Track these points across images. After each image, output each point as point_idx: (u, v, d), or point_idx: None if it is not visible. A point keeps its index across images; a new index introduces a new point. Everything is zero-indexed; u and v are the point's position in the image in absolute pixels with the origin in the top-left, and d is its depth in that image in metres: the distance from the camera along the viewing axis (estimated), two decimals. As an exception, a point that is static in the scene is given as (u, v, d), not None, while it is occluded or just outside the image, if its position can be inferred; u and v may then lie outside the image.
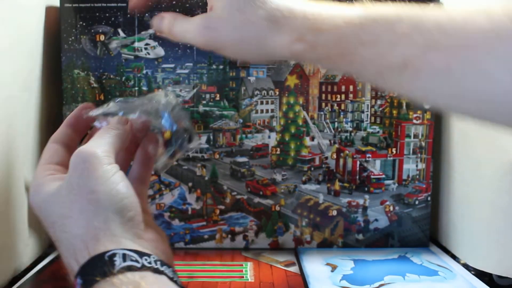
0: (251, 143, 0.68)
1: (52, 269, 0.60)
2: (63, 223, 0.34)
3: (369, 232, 0.68)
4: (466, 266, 0.61)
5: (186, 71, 0.67)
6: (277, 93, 0.68)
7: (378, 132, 0.68)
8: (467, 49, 0.33)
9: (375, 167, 0.68)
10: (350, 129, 0.68)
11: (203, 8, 0.66)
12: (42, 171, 0.38)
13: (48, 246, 0.67)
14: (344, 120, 0.68)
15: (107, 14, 0.65)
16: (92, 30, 0.66)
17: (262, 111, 0.68)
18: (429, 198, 0.68)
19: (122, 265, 0.30)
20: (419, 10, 0.36)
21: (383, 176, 0.68)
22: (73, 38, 0.65)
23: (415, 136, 0.68)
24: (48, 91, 0.65)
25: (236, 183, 0.68)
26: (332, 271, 0.59)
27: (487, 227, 0.58)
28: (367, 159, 0.68)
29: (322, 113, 0.68)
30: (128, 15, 0.66)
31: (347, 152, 0.68)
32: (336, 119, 0.68)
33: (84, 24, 0.65)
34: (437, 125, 0.68)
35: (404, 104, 0.67)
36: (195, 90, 0.67)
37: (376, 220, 0.68)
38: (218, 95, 0.67)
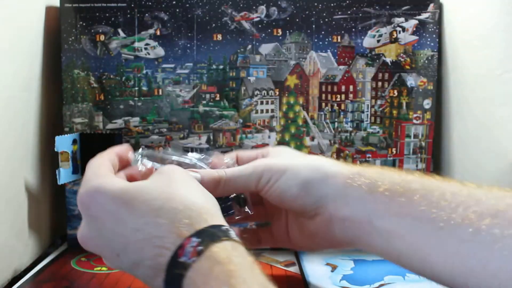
0: (251, 143, 0.68)
1: (52, 269, 0.60)
2: (169, 198, 0.36)
3: (369, 232, 0.68)
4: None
5: (186, 71, 0.67)
6: (277, 93, 0.68)
7: (378, 132, 0.68)
8: None
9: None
10: (350, 129, 0.68)
11: (203, 8, 0.66)
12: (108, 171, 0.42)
13: (48, 246, 0.67)
14: (344, 120, 0.68)
15: (107, 14, 0.65)
16: (92, 30, 0.66)
17: (262, 111, 0.68)
18: (429, 198, 0.68)
19: (236, 238, 0.34)
20: None
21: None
22: (73, 38, 0.65)
23: (415, 136, 0.68)
24: (48, 91, 0.65)
25: (236, 183, 0.68)
26: (332, 271, 0.59)
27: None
28: (367, 159, 0.68)
29: (322, 113, 0.68)
30: (128, 15, 0.66)
31: (347, 152, 0.68)
32: (336, 119, 0.68)
33: (84, 24, 0.65)
34: (437, 125, 0.68)
35: (404, 104, 0.67)
36: (195, 90, 0.67)
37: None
38: (218, 95, 0.67)
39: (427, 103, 0.67)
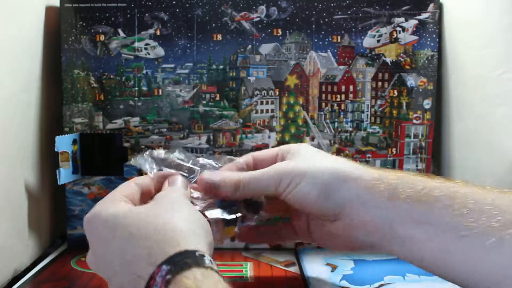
0: (251, 143, 0.68)
1: (52, 269, 0.60)
2: (147, 222, 0.36)
3: (369, 232, 0.68)
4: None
5: (186, 71, 0.67)
6: (277, 93, 0.68)
7: (378, 132, 0.68)
8: None
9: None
10: (350, 129, 0.68)
11: (203, 8, 0.66)
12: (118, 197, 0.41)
13: (48, 246, 0.67)
14: (344, 120, 0.68)
15: (107, 14, 0.65)
16: (92, 30, 0.66)
17: (262, 111, 0.68)
18: (429, 198, 0.68)
19: (210, 265, 0.33)
20: None
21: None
22: (73, 38, 0.65)
23: (415, 136, 0.68)
24: (48, 91, 0.65)
25: (236, 183, 0.68)
26: (332, 271, 0.59)
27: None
28: (367, 159, 0.68)
29: (322, 113, 0.68)
30: (128, 15, 0.66)
31: (347, 152, 0.68)
32: (336, 119, 0.68)
33: (84, 24, 0.65)
34: (437, 125, 0.68)
35: (404, 104, 0.67)
36: (195, 90, 0.67)
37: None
38: (218, 95, 0.67)
39: (427, 103, 0.67)
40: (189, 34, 0.66)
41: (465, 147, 0.64)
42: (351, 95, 0.68)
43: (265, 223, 0.52)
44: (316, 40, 0.67)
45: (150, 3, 0.66)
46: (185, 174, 0.47)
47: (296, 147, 0.49)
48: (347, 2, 0.66)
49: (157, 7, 0.66)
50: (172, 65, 0.67)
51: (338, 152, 0.68)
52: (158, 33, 0.66)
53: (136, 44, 0.66)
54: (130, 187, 0.44)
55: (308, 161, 0.46)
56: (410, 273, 0.58)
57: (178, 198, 0.41)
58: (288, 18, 0.66)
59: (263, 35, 0.66)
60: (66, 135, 0.61)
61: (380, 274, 0.58)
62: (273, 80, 0.68)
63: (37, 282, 0.56)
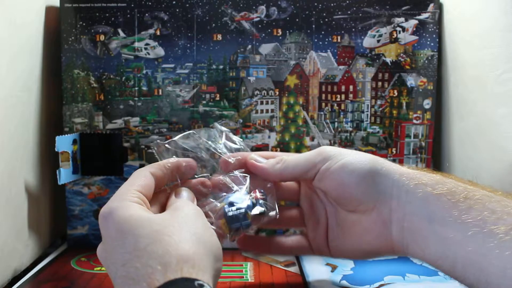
0: (251, 143, 0.68)
1: (52, 269, 0.60)
2: (156, 239, 0.35)
3: (369, 232, 0.68)
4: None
5: (186, 71, 0.67)
6: (277, 93, 0.68)
7: (378, 132, 0.68)
8: None
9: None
10: (350, 129, 0.68)
11: (203, 8, 0.66)
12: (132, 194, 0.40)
13: (48, 246, 0.67)
14: (344, 120, 0.68)
15: (107, 14, 0.65)
16: (92, 30, 0.66)
17: (262, 111, 0.68)
18: (429, 198, 0.68)
19: None
20: None
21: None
22: (73, 38, 0.65)
23: (415, 136, 0.68)
24: (48, 91, 0.66)
25: (236, 183, 0.68)
26: (332, 271, 0.59)
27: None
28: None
29: (322, 113, 0.68)
30: (128, 15, 0.66)
31: (347, 152, 0.68)
32: (336, 119, 0.68)
33: (84, 24, 0.65)
34: (437, 125, 0.68)
35: (404, 104, 0.67)
36: (195, 90, 0.67)
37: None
38: (218, 95, 0.67)
39: (427, 103, 0.67)
40: (189, 34, 0.66)
41: (465, 147, 0.64)
42: (351, 95, 0.68)
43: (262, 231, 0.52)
44: (316, 40, 0.67)
45: (150, 3, 0.66)
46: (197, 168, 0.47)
47: (332, 149, 0.49)
48: (347, 2, 0.66)
49: (157, 7, 0.66)
50: (172, 65, 0.67)
51: (338, 152, 0.68)
52: (158, 33, 0.66)
53: (136, 44, 0.66)
54: (147, 178, 0.43)
55: (349, 152, 0.46)
56: (410, 273, 0.58)
57: (192, 215, 0.39)
58: (288, 18, 0.66)
59: (263, 35, 0.67)
60: (66, 135, 0.61)
61: (380, 274, 0.58)
62: (273, 80, 0.68)
63: (37, 282, 0.56)
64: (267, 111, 0.68)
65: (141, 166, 0.67)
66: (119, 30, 0.66)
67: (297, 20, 0.66)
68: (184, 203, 0.41)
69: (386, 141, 0.68)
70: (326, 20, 0.66)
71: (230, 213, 0.45)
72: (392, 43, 0.67)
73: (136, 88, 0.67)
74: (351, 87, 0.68)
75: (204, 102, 0.67)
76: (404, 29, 0.67)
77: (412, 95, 0.67)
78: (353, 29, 0.66)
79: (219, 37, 0.66)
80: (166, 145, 0.48)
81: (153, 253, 0.34)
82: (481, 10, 0.60)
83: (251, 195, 0.46)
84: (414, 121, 0.67)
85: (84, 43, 0.66)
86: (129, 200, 0.39)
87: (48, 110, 0.66)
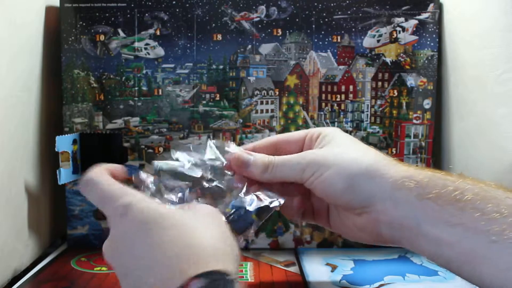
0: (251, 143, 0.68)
1: (52, 269, 0.60)
2: (183, 231, 0.35)
3: (369, 232, 0.68)
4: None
5: (186, 71, 0.67)
6: (277, 93, 0.68)
7: (378, 132, 0.68)
8: None
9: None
10: (350, 129, 0.68)
11: (203, 8, 0.66)
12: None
13: (48, 246, 0.67)
14: (344, 120, 0.68)
15: (107, 14, 0.65)
16: (92, 30, 0.66)
17: (262, 111, 0.68)
18: (429, 198, 0.68)
19: None
20: None
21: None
22: (73, 38, 0.65)
23: (415, 136, 0.68)
24: (48, 91, 0.66)
25: (236, 183, 0.68)
26: (332, 271, 0.59)
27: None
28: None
29: (322, 113, 0.68)
30: (128, 15, 0.66)
31: (347, 152, 0.68)
32: (336, 119, 0.68)
33: (84, 24, 0.65)
34: (437, 125, 0.68)
35: (404, 104, 0.67)
36: (195, 90, 0.67)
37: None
38: (218, 95, 0.67)
39: (427, 103, 0.67)
40: (189, 34, 0.66)
41: (465, 147, 0.64)
42: (351, 95, 0.68)
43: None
44: (316, 40, 0.67)
45: (150, 3, 0.66)
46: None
47: (326, 131, 0.49)
48: (347, 2, 0.66)
49: (157, 7, 0.66)
50: (172, 65, 0.67)
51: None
52: (158, 33, 0.66)
53: (136, 44, 0.66)
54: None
55: (337, 150, 0.46)
56: (410, 273, 0.58)
57: (215, 213, 0.40)
58: (288, 18, 0.66)
59: (263, 35, 0.66)
60: (66, 135, 0.61)
61: (380, 274, 0.58)
62: (273, 80, 0.68)
63: (37, 282, 0.56)
64: (267, 111, 0.68)
65: (141, 166, 0.67)
66: (119, 30, 0.66)
67: (297, 20, 0.66)
68: (203, 205, 0.41)
69: (386, 141, 0.68)
70: (326, 20, 0.66)
71: (230, 218, 0.45)
72: (392, 43, 0.67)
73: (136, 88, 0.67)
74: (351, 87, 0.68)
75: (204, 102, 0.67)
76: (404, 29, 0.67)
77: (412, 95, 0.67)
78: (353, 29, 0.66)
79: (219, 37, 0.66)
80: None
81: (184, 245, 0.34)
82: (481, 10, 0.60)
83: (250, 193, 0.46)
84: (414, 121, 0.67)
85: (84, 43, 0.66)
86: (139, 193, 0.39)
87: (48, 110, 0.66)
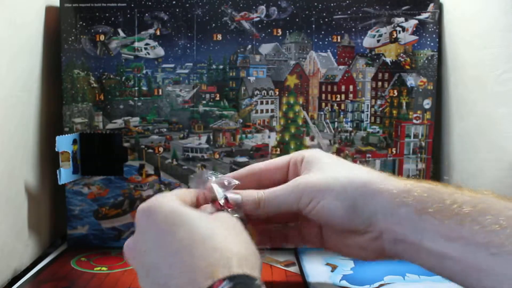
0: (251, 143, 0.68)
1: (52, 269, 0.60)
2: (211, 234, 0.35)
3: (369, 232, 0.68)
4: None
5: (186, 71, 0.67)
6: (277, 93, 0.68)
7: (378, 132, 0.68)
8: None
9: (375, 167, 0.68)
10: (350, 129, 0.68)
11: (203, 8, 0.66)
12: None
13: (48, 246, 0.67)
14: (344, 120, 0.68)
15: (107, 14, 0.65)
16: (92, 30, 0.66)
17: (262, 111, 0.68)
18: (429, 198, 0.68)
19: None
20: None
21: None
22: (73, 38, 0.65)
23: (415, 136, 0.68)
24: (48, 91, 0.66)
25: (236, 183, 0.68)
26: (332, 271, 0.59)
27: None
28: (367, 159, 0.68)
29: (322, 113, 0.68)
30: (128, 15, 0.66)
31: (347, 152, 0.68)
32: (336, 119, 0.68)
33: (84, 24, 0.65)
34: (437, 125, 0.68)
35: (404, 104, 0.67)
36: (195, 90, 0.67)
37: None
38: (218, 95, 0.67)
39: (427, 103, 0.67)
40: (189, 34, 0.66)
41: (465, 147, 0.64)
42: (351, 95, 0.68)
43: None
44: (316, 40, 0.67)
45: (150, 3, 0.66)
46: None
47: (309, 153, 0.48)
48: (347, 2, 0.66)
49: (157, 7, 0.66)
50: (172, 65, 0.67)
51: (338, 152, 0.68)
52: (158, 33, 0.66)
53: (136, 44, 0.66)
54: (187, 192, 0.43)
55: (329, 173, 0.44)
56: (410, 273, 0.58)
57: (237, 223, 0.40)
58: (288, 18, 0.66)
59: (263, 35, 0.67)
60: (66, 135, 0.61)
61: (380, 274, 0.58)
62: (273, 80, 0.68)
63: (37, 282, 0.56)
64: (267, 111, 0.68)
65: (141, 166, 0.67)
66: (119, 30, 0.66)
67: (297, 20, 0.66)
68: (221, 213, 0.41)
69: (386, 141, 0.68)
70: (326, 20, 0.66)
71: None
72: (392, 43, 0.67)
73: (136, 88, 0.67)
74: (351, 87, 0.68)
75: (204, 102, 0.67)
76: (404, 29, 0.67)
77: (412, 95, 0.67)
78: (353, 29, 0.66)
79: (219, 37, 0.66)
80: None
81: (213, 247, 0.34)
82: (481, 10, 0.60)
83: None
84: (414, 121, 0.68)
85: (84, 43, 0.66)
86: (172, 196, 0.39)
87: (48, 110, 0.66)
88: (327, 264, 0.61)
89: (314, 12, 0.66)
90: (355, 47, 0.67)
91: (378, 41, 0.67)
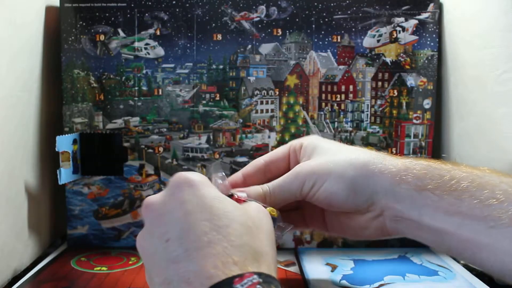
0: (251, 143, 0.68)
1: (52, 269, 0.60)
2: (248, 231, 0.35)
3: (369, 232, 0.68)
4: (466, 266, 0.61)
5: (186, 71, 0.67)
6: (277, 93, 0.68)
7: (378, 132, 0.68)
8: None
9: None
10: (350, 129, 0.68)
11: (203, 8, 0.66)
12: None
13: (48, 246, 0.67)
14: (344, 120, 0.68)
15: (107, 14, 0.65)
16: (92, 30, 0.66)
17: (262, 111, 0.68)
18: (429, 198, 0.68)
19: None
20: None
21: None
22: (73, 38, 0.65)
23: (415, 136, 0.68)
24: (48, 91, 0.66)
25: (236, 183, 0.68)
26: (332, 271, 0.59)
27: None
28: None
29: (322, 113, 0.68)
30: (128, 15, 0.66)
31: (347, 152, 0.68)
32: (336, 119, 0.68)
33: (84, 24, 0.65)
34: (437, 125, 0.68)
35: (404, 104, 0.67)
36: (195, 90, 0.67)
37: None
38: (218, 95, 0.67)
39: (427, 103, 0.67)
40: (189, 34, 0.66)
41: (465, 147, 0.64)
42: (351, 95, 0.68)
43: None
44: (316, 40, 0.67)
45: (150, 3, 0.66)
46: None
47: (308, 140, 0.48)
48: (347, 2, 0.66)
49: (157, 7, 0.66)
50: (172, 65, 0.67)
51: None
52: (158, 33, 0.66)
53: (136, 44, 0.66)
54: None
55: (328, 157, 0.45)
56: (410, 273, 0.58)
57: (267, 215, 0.40)
58: (288, 18, 0.66)
59: (263, 35, 0.66)
60: (66, 135, 0.61)
61: (380, 274, 0.58)
62: (273, 80, 0.68)
63: (37, 282, 0.56)
64: (267, 111, 0.68)
65: (141, 166, 0.67)
66: (119, 30, 0.66)
67: (297, 20, 0.66)
68: (257, 205, 0.41)
69: (386, 141, 0.68)
70: (326, 20, 0.66)
71: None
72: (392, 43, 0.67)
73: (136, 88, 0.67)
74: (351, 87, 0.68)
75: (204, 102, 0.67)
76: (404, 29, 0.67)
77: (412, 95, 0.67)
78: (353, 29, 0.66)
79: (219, 37, 0.66)
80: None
81: (247, 244, 0.34)
82: (481, 10, 0.60)
83: None
84: (414, 121, 0.68)
85: (84, 43, 0.66)
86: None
87: (48, 110, 0.66)
88: (327, 264, 0.61)
89: (314, 12, 0.66)
90: (355, 47, 0.67)
91: (378, 41, 0.67)
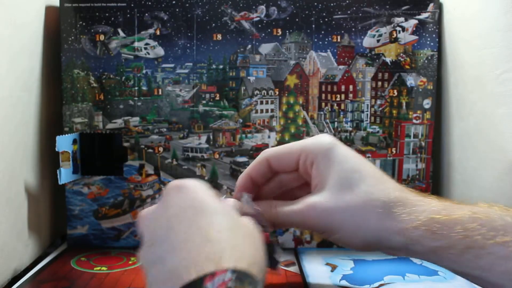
0: (251, 143, 0.68)
1: (52, 269, 0.60)
2: (230, 226, 0.35)
3: (369, 232, 0.68)
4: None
5: (186, 71, 0.67)
6: (277, 93, 0.68)
7: (378, 132, 0.68)
8: None
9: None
10: (350, 129, 0.68)
11: (203, 8, 0.66)
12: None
13: (48, 246, 0.67)
14: (344, 120, 0.68)
15: (107, 14, 0.65)
16: (92, 30, 0.66)
17: (262, 111, 0.68)
18: (429, 198, 0.68)
19: None
20: None
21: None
22: (73, 38, 0.65)
23: (415, 136, 0.68)
24: (48, 91, 0.66)
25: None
26: (332, 271, 0.59)
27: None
28: (367, 159, 0.68)
29: (322, 113, 0.68)
30: (128, 15, 0.66)
31: (347, 152, 0.68)
32: (336, 119, 0.68)
33: (84, 24, 0.65)
34: (437, 125, 0.68)
35: (404, 104, 0.67)
36: (195, 90, 0.67)
37: (376, 220, 0.68)
38: (218, 95, 0.67)
39: (427, 103, 0.67)
40: (189, 34, 0.66)
41: (465, 147, 0.64)
42: (351, 95, 0.68)
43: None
44: (316, 40, 0.67)
45: (150, 3, 0.66)
46: None
47: (324, 152, 0.46)
48: (347, 2, 0.66)
49: (157, 7, 0.66)
50: (172, 65, 0.67)
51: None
52: (158, 33, 0.66)
53: (136, 44, 0.66)
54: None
55: (344, 197, 0.44)
56: (410, 273, 0.58)
57: (253, 226, 0.40)
58: (288, 18, 0.66)
59: (263, 35, 0.66)
60: (66, 135, 0.61)
61: (380, 274, 0.58)
62: (273, 80, 0.68)
63: (37, 282, 0.56)
64: (267, 111, 0.68)
65: (141, 166, 0.67)
66: (119, 30, 0.66)
67: (297, 20, 0.66)
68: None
69: (386, 141, 0.68)
70: (326, 20, 0.66)
71: None
72: (392, 43, 0.67)
73: (136, 88, 0.67)
74: (351, 87, 0.68)
75: (204, 102, 0.67)
76: (404, 29, 0.67)
77: (412, 95, 0.67)
78: (353, 29, 0.66)
79: (219, 37, 0.66)
80: None
81: (223, 240, 0.34)
82: (481, 10, 0.60)
83: None
84: (414, 121, 0.68)
85: (84, 43, 0.66)
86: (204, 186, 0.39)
87: (48, 110, 0.66)
88: (327, 264, 0.61)
89: (314, 12, 0.66)
90: (355, 47, 0.67)
91: (378, 41, 0.67)
